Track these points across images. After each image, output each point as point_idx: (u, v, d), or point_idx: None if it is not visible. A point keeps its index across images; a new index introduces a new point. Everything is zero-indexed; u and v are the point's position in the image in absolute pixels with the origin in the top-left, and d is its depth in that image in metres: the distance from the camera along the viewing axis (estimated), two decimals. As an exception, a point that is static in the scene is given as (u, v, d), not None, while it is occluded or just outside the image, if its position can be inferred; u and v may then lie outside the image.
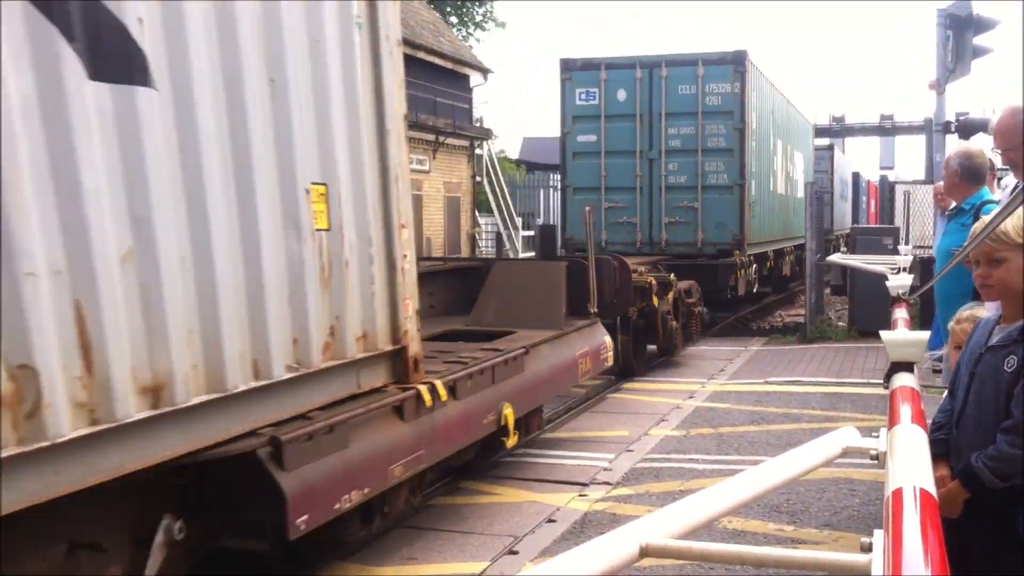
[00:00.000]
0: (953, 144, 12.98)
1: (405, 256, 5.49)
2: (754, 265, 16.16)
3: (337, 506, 4.64)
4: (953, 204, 6.43)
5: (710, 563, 5.23)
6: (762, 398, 10.24)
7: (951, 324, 3.84)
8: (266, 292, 4.36)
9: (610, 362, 9.11)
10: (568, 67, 15.39)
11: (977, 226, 3.31)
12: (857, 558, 1.91)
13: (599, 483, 7.23)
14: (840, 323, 16.58)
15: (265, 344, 4.36)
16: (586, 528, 6.10)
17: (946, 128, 14.51)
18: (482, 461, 7.46)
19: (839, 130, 45.57)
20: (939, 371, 7.16)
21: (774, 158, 17.87)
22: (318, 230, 4.73)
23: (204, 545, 4.50)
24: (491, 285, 8.62)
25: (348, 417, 4.77)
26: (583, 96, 15.25)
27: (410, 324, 5.52)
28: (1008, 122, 4.66)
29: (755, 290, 16.88)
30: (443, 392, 5.66)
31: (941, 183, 6.90)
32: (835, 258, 15.77)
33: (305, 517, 4.35)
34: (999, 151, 5.01)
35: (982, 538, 3.26)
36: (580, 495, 6.95)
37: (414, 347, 5.56)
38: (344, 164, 4.97)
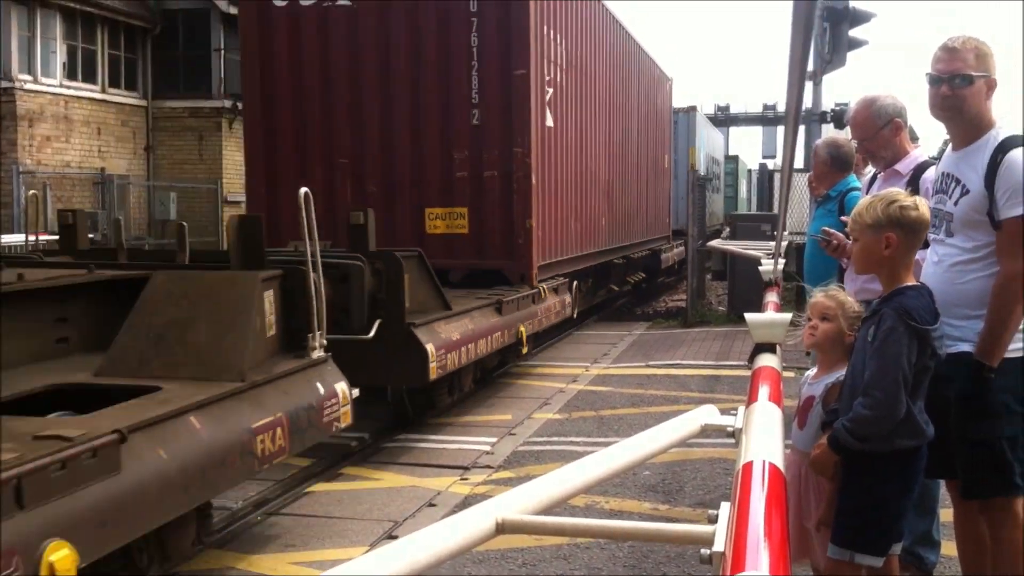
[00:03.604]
0: (829, 134, 13.35)
1: None
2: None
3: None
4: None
5: (566, 536, 5.33)
6: (643, 381, 10.42)
7: (809, 301, 4.02)
8: None
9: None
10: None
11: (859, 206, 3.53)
12: (702, 529, 1.98)
13: (480, 467, 7.27)
14: (721, 308, 16.98)
15: None
16: (466, 511, 6.13)
17: (822, 118, 14.91)
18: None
19: (724, 119, 46.57)
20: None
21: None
22: None
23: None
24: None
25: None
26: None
27: None
28: (862, 113, 4.83)
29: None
30: None
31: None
32: (715, 243, 16.15)
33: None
34: (856, 142, 5.21)
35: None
36: (461, 479, 6.98)
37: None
38: None
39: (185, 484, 4.33)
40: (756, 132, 51.26)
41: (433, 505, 6.39)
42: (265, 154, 10.51)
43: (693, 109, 23.02)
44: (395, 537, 5.80)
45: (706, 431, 2.91)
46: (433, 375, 7.47)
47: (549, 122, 10.58)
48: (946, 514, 4.42)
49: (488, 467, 7.24)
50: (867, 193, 4.72)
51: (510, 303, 9.41)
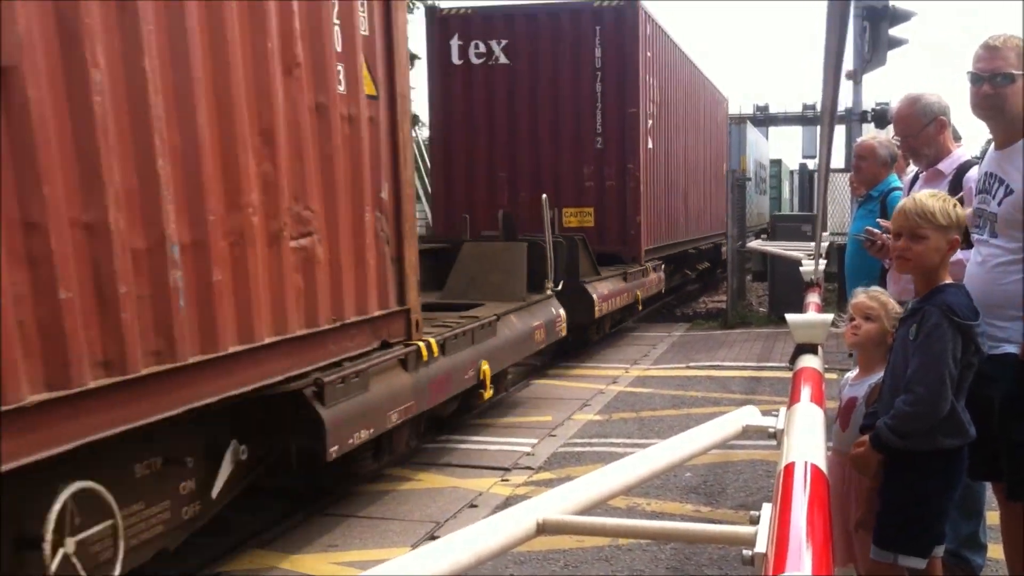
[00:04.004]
0: (871, 133, 13.22)
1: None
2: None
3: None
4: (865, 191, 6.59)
5: (607, 537, 5.33)
6: (684, 383, 10.39)
7: (851, 301, 4.00)
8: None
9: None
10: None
11: (906, 202, 3.48)
12: (744, 529, 1.98)
13: (521, 468, 7.29)
14: (761, 309, 16.87)
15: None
16: (507, 512, 6.14)
17: (863, 117, 14.77)
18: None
19: (763, 119, 46.24)
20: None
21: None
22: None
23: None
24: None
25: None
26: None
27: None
28: (906, 110, 4.79)
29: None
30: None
31: None
32: (755, 245, 16.05)
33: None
34: (899, 139, 5.16)
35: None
36: (502, 480, 7.00)
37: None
38: None
39: (516, 346, 8.68)
40: (795, 132, 50.87)
41: (474, 506, 6.42)
42: (444, 167, 13.91)
43: (743, 121, 27.16)
44: (437, 538, 5.82)
45: (747, 432, 2.91)
46: (596, 315, 11.53)
47: (649, 145, 13.99)
48: (993, 516, 4.37)
49: (529, 468, 7.26)
50: (909, 193, 4.68)
51: (631, 274, 13.30)
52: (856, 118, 14.73)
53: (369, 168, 6.10)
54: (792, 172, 41.86)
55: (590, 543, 5.47)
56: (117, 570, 4.10)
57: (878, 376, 3.66)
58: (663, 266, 15.38)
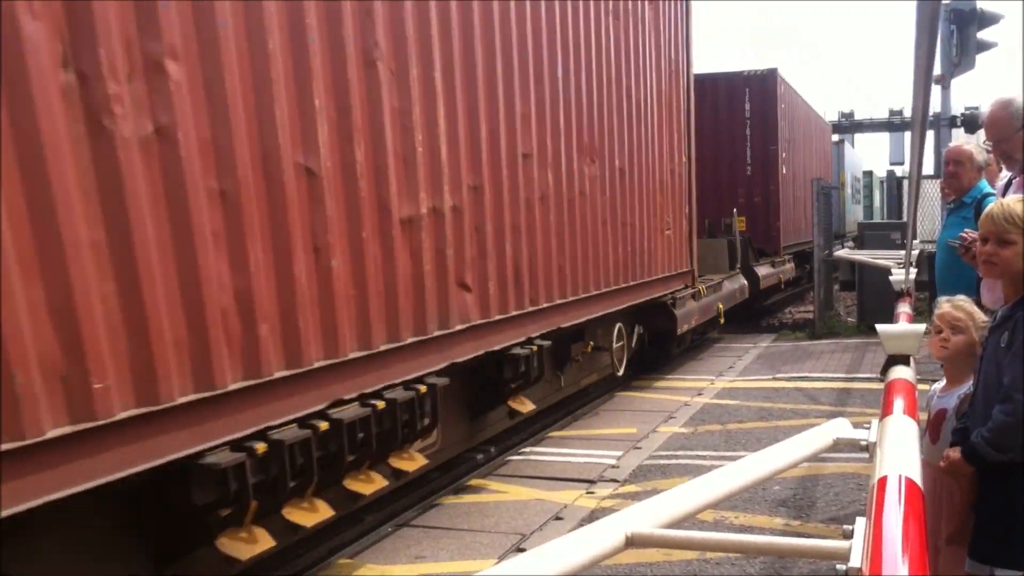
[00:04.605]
0: (960, 139, 12.94)
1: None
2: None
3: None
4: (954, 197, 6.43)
5: (696, 551, 5.28)
6: (771, 394, 10.25)
7: (936, 312, 3.92)
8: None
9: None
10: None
11: (993, 206, 3.40)
12: (837, 544, 1.95)
13: (606, 480, 7.26)
14: (850, 319, 16.56)
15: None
16: (593, 525, 6.12)
17: (952, 122, 14.49)
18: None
19: (848, 126, 45.45)
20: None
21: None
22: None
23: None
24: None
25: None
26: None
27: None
28: (998, 114, 4.68)
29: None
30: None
31: None
32: (842, 253, 15.76)
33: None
34: (991, 143, 5.03)
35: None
36: (587, 493, 6.98)
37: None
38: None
39: (730, 297, 14.00)
40: (882, 139, 49.85)
41: (560, 519, 6.41)
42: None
43: (842, 143, 32.16)
44: (523, 550, 5.83)
45: (838, 445, 2.86)
46: (760, 287, 16.16)
47: (783, 171, 17.91)
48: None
49: (614, 481, 7.23)
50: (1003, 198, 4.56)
51: (777, 263, 17.61)
52: (945, 123, 14.46)
53: (683, 196, 11.73)
54: (882, 181, 41.30)
55: (678, 556, 5.43)
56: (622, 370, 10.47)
57: (967, 387, 3.58)
58: (793, 259, 19.65)
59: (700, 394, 10.50)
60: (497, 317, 6.66)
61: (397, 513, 6.61)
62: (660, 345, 12.26)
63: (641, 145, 9.98)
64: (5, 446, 3.06)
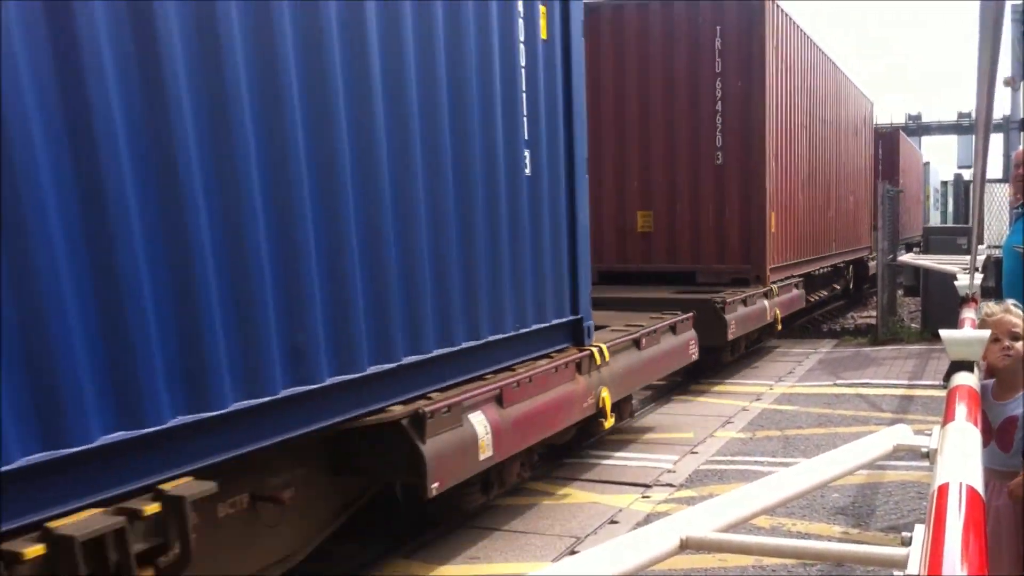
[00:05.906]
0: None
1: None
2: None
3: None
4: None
5: (751, 556, 5.22)
6: (831, 400, 10.12)
7: (982, 315, 3.84)
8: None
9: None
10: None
11: None
12: (895, 551, 1.92)
13: (662, 485, 7.22)
14: (913, 324, 16.29)
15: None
16: (648, 529, 6.10)
17: (1022, 125, 14.17)
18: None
19: (915, 128, 44.77)
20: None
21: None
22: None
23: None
24: None
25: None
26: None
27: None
28: None
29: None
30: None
31: None
32: (907, 258, 15.51)
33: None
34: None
35: None
36: (643, 496, 6.95)
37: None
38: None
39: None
40: (950, 141, 49.06)
41: (615, 522, 6.39)
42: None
43: (927, 164, 35.31)
44: (577, 552, 5.82)
45: (898, 452, 2.81)
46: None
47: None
48: None
49: (670, 485, 7.19)
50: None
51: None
52: (1015, 126, 14.14)
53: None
54: (946, 183, 40.77)
55: (732, 562, 5.39)
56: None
57: None
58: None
59: (759, 399, 10.39)
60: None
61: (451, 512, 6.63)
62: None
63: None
64: None
